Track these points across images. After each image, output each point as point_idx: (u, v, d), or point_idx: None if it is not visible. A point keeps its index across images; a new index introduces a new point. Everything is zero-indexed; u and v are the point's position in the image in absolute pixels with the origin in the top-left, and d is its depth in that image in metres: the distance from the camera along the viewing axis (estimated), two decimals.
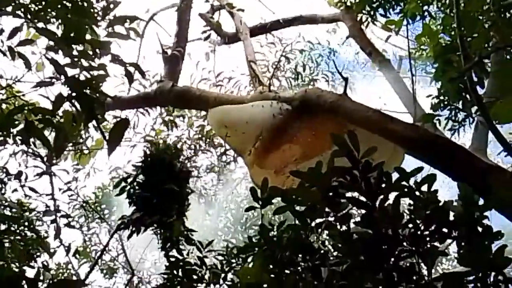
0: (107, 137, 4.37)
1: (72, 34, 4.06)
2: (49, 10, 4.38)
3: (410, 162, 5.27)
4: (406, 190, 3.20)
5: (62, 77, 4.09)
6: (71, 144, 9.37)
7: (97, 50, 4.22)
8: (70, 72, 4.11)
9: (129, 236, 5.75)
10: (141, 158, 6.05)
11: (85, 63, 4.16)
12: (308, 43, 13.37)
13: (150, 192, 5.77)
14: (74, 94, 4.10)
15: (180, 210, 5.86)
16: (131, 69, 4.44)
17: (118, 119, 10.63)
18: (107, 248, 12.90)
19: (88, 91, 4.11)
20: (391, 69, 8.83)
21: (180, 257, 5.07)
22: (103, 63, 4.23)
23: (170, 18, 9.59)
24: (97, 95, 4.17)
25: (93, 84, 4.10)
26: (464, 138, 7.48)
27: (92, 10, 4.80)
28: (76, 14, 4.20)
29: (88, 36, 4.31)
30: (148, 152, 6.02)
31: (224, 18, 10.82)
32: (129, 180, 5.92)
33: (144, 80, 8.46)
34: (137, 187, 5.91)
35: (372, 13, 8.75)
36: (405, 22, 8.30)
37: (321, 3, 10.31)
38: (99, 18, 4.62)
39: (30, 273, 6.84)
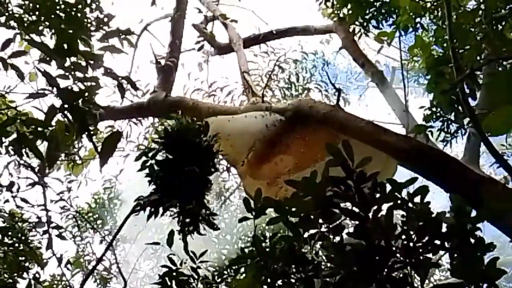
0: (99, 149, 4.37)
1: (65, 45, 4.06)
2: (42, 19, 4.40)
3: (403, 174, 5.29)
4: (399, 201, 3.20)
5: (55, 88, 4.09)
6: (64, 154, 9.35)
7: (90, 62, 4.22)
8: (63, 83, 4.12)
9: (148, 218, 5.35)
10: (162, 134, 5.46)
11: (78, 74, 4.17)
12: (302, 53, 13.43)
13: (170, 172, 5.27)
14: (66, 105, 4.10)
15: (201, 193, 5.36)
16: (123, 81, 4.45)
17: (111, 129, 10.67)
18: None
19: (80, 103, 4.11)
20: (384, 80, 8.87)
21: (174, 267, 5.01)
22: (96, 76, 4.24)
23: (164, 28, 9.63)
24: (90, 106, 4.17)
25: (85, 96, 4.10)
26: (457, 149, 7.52)
27: (85, 20, 4.82)
28: (69, 25, 4.21)
29: (81, 47, 4.32)
30: (169, 128, 5.41)
31: (217, 28, 10.89)
32: (150, 155, 5.33)
33: (137, 90, 8.46)
34: (156, 166, 5.34)
35: (364, 24, 8.79)
36: (397, 34, 8.36)
37: (315, 14, 10.36)
38: (92, 28, 4.62)
39: (22, 284, 6.80)
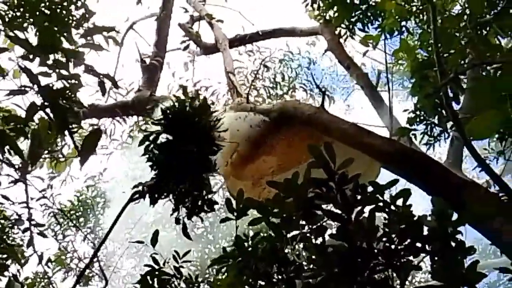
0: (80, 147, 4.34)
1: (48, 43, 4.04)
2: (27, 16, 4.37)
3: (387, 176, 5.30)
4: (381, 204, 3.21)
5: (36, 86, 4.06)
6: (47, 151, 9.28)
7: (71, 60, 4.19)
8: (45, 81, 4.09)
9: (151, 203, 5.13)
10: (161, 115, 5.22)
11: (60, 72, 4.14)
12: (287, 52, 13.46)
13: (168, 153, 5.02)
14: (47, 103, 4.07)
15: (199, 173, 5.11)
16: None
17: (95, 128, 10.62)
18: (81, 256, 12.83)
19: (61, 101, 4.08)
20: (369, 83, 8.90)
21: (156, 267, 4.97)
22: (77, 73, 4.21)
23: (150, 27, 9.60)
24: (71, 104, 4.15)
25: (66, 94, 4.08)
26: (441, 152, 7.55)
27: (70, 17, 4.79)
28: (52, 22, 4.18)
29: (66, 44, 4.29)
30: (167, 109, 5.15)
31: (203, 28, 10.87)
32: (151, 138, 5.10)
33: (118, 88, 8.37)
34: (155, 149, 5.11)
35: (350, 27, 8.81)
36: (383, 37, 8.38)
37: (302, 16, 10.37)
38: (75, 25, 4.59)
39: (2, 283, 6.74)
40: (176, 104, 5.10)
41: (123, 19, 11.14)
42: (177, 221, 4.98)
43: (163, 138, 5.09)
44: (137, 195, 5.09)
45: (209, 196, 5.06)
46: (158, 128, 5.09)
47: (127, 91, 11.23)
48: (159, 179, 5.01)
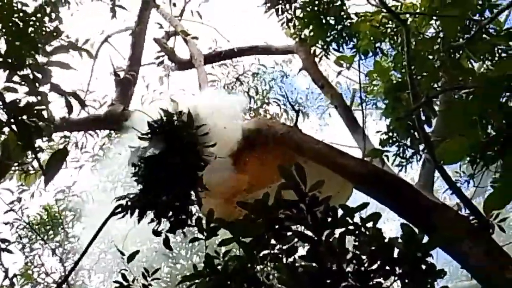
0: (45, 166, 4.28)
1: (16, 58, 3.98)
2: None
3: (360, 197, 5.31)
4: (352, 226, 3.22)
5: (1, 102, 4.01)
6: (16, 164, 9.16)
7: (38, 76, 4.14)
8: (11, 96, 4.03)
9: (139, 220, 5.00)
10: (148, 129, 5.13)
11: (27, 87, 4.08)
12: (261, 66, 13.49)
13: (155, 168, 4.92)
14: (12, 120, 4.01)
15: (185, 187, 4.98)
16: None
17: (66, 141, 10.51)
18: (49, 270, 12.64)
19: (28, 118, 4.02)
20: (343, 103, 8.95)
21: (125, 283, 4.88)
22: (44, 91, 4.16)
23: (125, 40, 9.57)
24: (38, 121, 4.08)
25: (32, 111, 4.02)
26: (416, 173, 7.60)
27: (43, 29, 4.74)
28: (23, 38, 4.13)
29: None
30: (152, 122, 5.07)
31: (179, 43, 10.87)
32: (138, 154, 5.00)
33: (85, 108, 8.19)
34: (141, 162, 4.99)
35: (325, 47, 8.86)
36: (357, 57, 8.45)
37: (278, 33, 10.41)
38: (44, 40, 4.53)
39: None
40: (164, 117, 5.04)
41: (98, 32, 11.13)
42: (157, 233, 4.86)
43: (148, 152, 4.98)
44: (119, 209, 4.90)
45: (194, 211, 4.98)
46: (144, 142, 5.01)
47: (100, 104, 11.16)
48: (145, 194, 4.88)
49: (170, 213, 4.82)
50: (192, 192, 5.00)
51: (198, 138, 5.08)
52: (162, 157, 4.90)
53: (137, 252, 4.74)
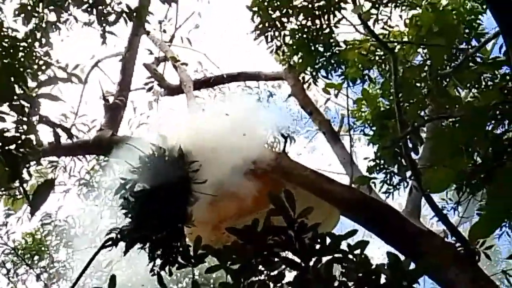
0: (31, 197, 4.27)
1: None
2: None
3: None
4: (339, 253, 3.23)
5: None
6: (3, 188, 9.11)
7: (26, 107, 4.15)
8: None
9: (125, 252, 5.03)
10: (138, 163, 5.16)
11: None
12: (247, 87, 13.49)
13: (144, 201, 4.95)
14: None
15: (176, 223, 5.03)
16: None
17: (54, 165, 10.48)
18: None
19: (15, 148, 4.02)
20: (331, 129, 9.01)
21: None
22: (32, 122, 4.17)
23: (115, 65, 9.60)
24: (24, 151, 4.08)
25: (20, 141, 4.03)
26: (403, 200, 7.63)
27: (34, 54, 4.76)
28: (10, 67, 4.14)
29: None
30: (144, 156, 5.11)
31: (169, 68, 10.91)
32: (127, 186, 5.05)
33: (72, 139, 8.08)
34: (132, 195, 5.02)
35: (314, 73, 8.93)
36: (345, 84, 8.52)
37: (268, 58, 10.48)
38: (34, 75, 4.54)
39: None
40: (155, 153, 5.06)
41: (88, 57, 11.16)
42: (153, 272, 4.87)
43: (139, 186, 5.01)
44: (109, 242, 4.91)
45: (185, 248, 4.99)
46: (134, 175, 5.01)
47: (88, 128, 11.17)
48: (133, 227, 4.88)
49: (161, 250, 4.81)
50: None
51: (189, 174, 5.07)
52: (153, 192, 4.92)
53: (114, 277, 4.69)
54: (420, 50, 7.71)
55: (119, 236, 4.86)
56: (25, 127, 4.10)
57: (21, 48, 4.41)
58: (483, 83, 7.03)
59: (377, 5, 8.01)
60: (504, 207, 3.53)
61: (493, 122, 5.48)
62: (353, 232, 3.34)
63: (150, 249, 4.83)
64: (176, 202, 4.99)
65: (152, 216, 4.86)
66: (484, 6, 7.27)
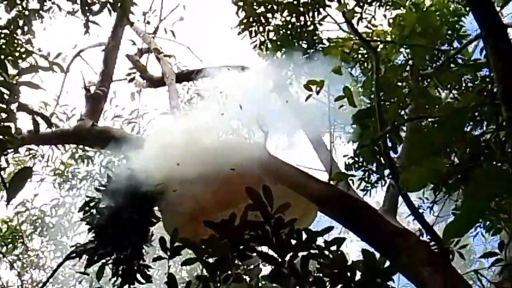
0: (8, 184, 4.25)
1: None
2: None
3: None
4: (315, 249, 3.26)
5: None
6: None
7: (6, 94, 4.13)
8: None
9: (86, 267, 5.19)
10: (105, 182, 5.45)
11: None
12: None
13: (107, 219, 5.16)
14: None
15: (138, 243, 5.24)
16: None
17: (32, 154, 10.40)
18: (5, 284, 12.45)
19: None
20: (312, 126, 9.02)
21: None
22: (11, 109, 4.15)
23: (98, 55, 9.55)
24: (4, 138, 4.07)
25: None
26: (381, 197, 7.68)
27: (15, 42, 4.73)
28: None
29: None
30: (112, 176, 5.40)
31: (153, 60, 10.86)
32: (92, 204, 5.30)
33: (52, 127, 8.06)
34: (97, 213, 5.28)
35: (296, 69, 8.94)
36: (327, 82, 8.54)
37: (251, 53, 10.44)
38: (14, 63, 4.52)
39: None
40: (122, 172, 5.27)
41: (71, 46, 11.08)
42: (101, 271, 5.07)
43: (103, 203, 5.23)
44: (73, 254, 5.17)
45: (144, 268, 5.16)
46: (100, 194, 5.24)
47: (67, 117, 11.13)
48: (96, 244, 5.10)
49: (121, 268, 5.03)
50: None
51: (154, 195, 5.32)
52: (117, 211, 5.12)
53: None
54: (402, 50, 7.77)
55: (83, 249, 5.13)
56: (3, 114, 4.08)
57: (2, 35, 4.38)
58: (464, 84, 7.09)
59: (361, 4, 8.07)
60: (479, 207, 3.58)
61: (471, 123, 5.55)
62: (329, 229, 3.38)
63: (113, 265, 5.05)
64: (138, 222, 5.17)
65: (113, 236, 5.06)
66: (467, 9, 7.34)
